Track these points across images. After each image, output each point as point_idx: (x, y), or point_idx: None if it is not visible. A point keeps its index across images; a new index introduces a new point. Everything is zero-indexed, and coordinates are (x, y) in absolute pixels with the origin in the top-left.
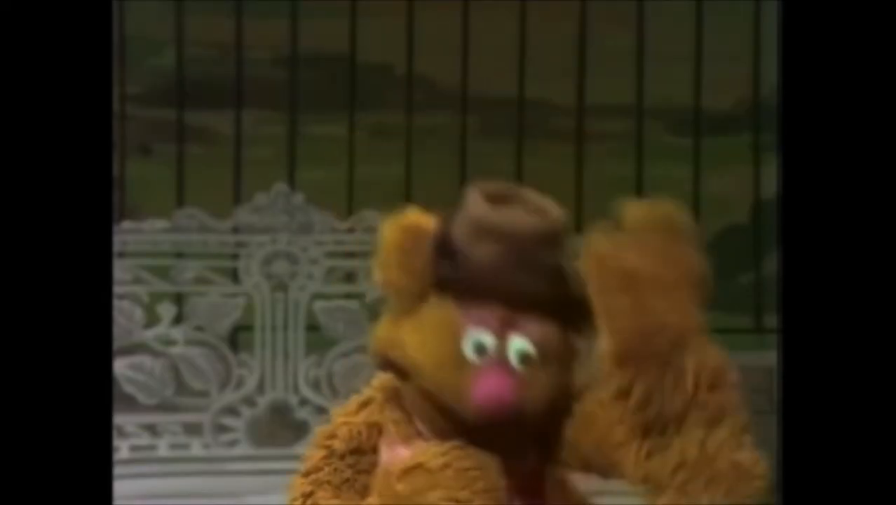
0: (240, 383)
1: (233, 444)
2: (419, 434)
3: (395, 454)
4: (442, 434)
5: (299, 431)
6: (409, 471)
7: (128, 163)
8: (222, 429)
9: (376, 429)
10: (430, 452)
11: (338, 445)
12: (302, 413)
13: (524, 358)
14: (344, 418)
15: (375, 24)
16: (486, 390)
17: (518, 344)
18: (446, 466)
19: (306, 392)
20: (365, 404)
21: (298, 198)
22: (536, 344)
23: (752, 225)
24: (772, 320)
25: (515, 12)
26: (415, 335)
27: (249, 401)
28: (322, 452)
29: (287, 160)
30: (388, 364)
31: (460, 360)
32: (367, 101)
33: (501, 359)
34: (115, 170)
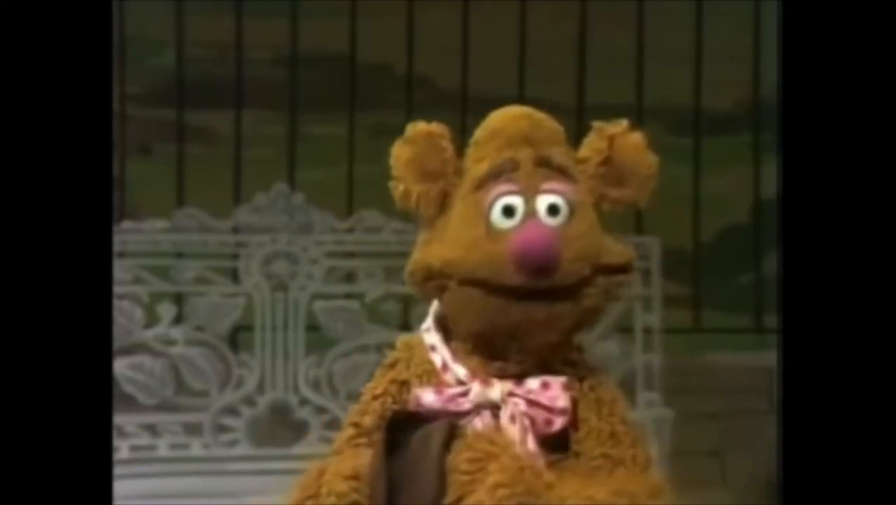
0: (240, 383)
1: (233, 444)
2: (445, 384)
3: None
4: (479, 350)
5: (299, 430)
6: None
7: (128, 163)
8: (222, 429)
9: (405, 386)
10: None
11: (368, 420)
12: (302, 413)
13: (554, 210)
14: (372, 392)
15: (375, 24)
16: (523, 238)
17: (547, 199)
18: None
19: (306, 392)
20: (392, 365)
21: (298, 198)
22: (565, 199)
23: (752, 225)
24: (772, 320)
25: (515, 12)
26: (446, 235)
27: (249, 401)
28: (350, 431)
29: (287, 160)
30: (425, 285)
31: (492, 231)
32: (367, 101)
33: (532, 215)
34: (115, 170)
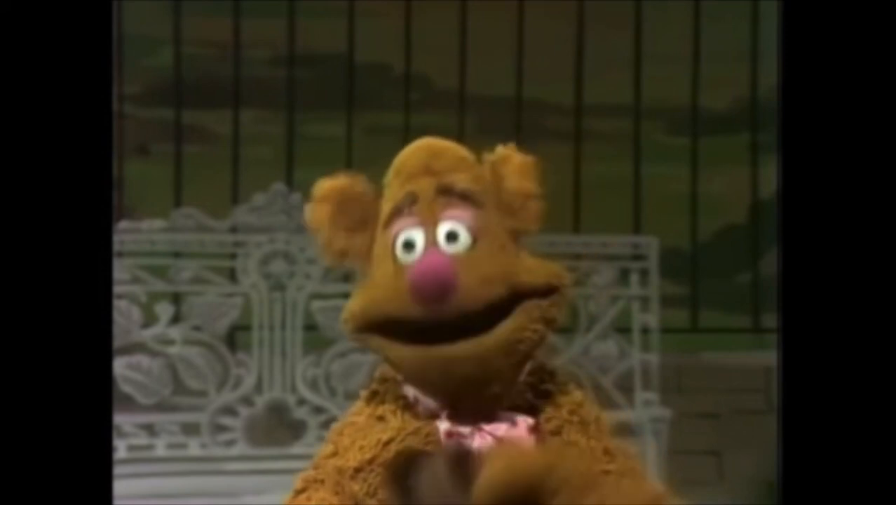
0: (237, 383)
1: (230, 443)
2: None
3: None
4: (419, 384)
5: (297, 430)
6: (363, 469)
7: (126, 162)
8: (220, 428)
9: (382, 421)
10: (380, 444)
11: (345, 441)
12: (299, 412)
13: (453, 237)
14: (353, 417)
15: (373, 23)
16: (417, 268)
17: (445, 227)
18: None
19: (304, 391)
20: (370, 399)
21: (296, 197)
22: (466, 225)
23: (749, 225)
24: (769, 320)
25: (513, 12)
26: (367, 281)
27: (247, 400)
28: (330, 448)
29: (285, 160)
30: (361, 334)
31: (398, 267)
32: (365, 100)
33: (432, 245)
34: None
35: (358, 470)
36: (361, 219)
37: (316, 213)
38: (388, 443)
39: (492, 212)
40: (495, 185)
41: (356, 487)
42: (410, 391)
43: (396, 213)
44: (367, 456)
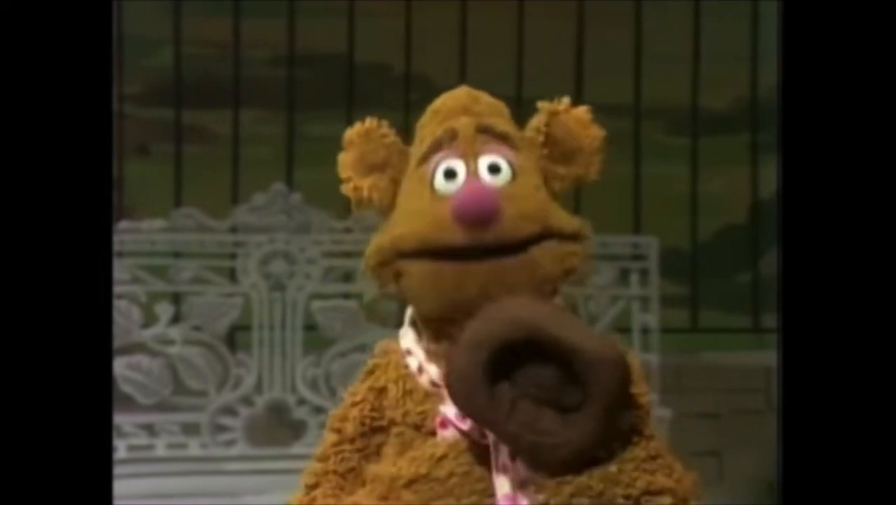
0: (237, 383)
1: (230, 443)
2: (418, 390)
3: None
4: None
5: (297, 430)
6: (418, 481)
7: (125, 162)
8: (220, 428)
9: (383, 393)
10: (433, 459)
11: (349, 427)
12: (299, 413)
13: (495, 169)
14: (352, 398)
15: (373, 23)
16: (462, 192)
17: (487, 159)
18: (452, 473)
19: (304, 392)
20: (371, 372)
21: (296, 197)
22: (507, 160)
23: (749, 224)
24: (769, 320)
25: (513, 12)
26: (395, 216)
27: (247, 400)
28: (333, 437)
29: (285, 160)
30: (381, 270)
31: (436, 196)
32: (365, 100)
33: (474, 175)
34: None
35: (412, 481)
36: (383, 159)
37: (339, 159)
38: (441, 459)
39: (528, 157)
40: (554, 132)
41: (409, 496)
42: (413, 362)
43: (435, 147)
44: (423, 470)
